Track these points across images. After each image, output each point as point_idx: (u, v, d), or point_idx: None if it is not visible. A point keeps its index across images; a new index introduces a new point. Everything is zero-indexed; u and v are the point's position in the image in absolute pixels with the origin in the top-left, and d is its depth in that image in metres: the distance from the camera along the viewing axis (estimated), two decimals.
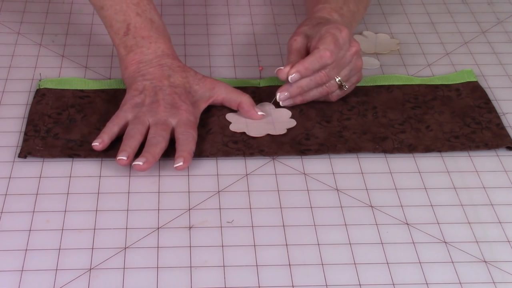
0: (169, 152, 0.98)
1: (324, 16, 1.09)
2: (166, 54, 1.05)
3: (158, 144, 0.96)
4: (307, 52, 1.06)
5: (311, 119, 1.05)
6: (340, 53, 1.03)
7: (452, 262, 0.87)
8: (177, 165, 0.96)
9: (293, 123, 1.04)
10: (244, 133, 1.02)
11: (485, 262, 0.87)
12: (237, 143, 1.01)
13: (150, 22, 1.06)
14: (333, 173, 0.98)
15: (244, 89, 1.08)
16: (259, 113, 1.04)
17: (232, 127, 1.03)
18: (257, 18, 1.28)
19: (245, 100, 1.05)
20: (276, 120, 1.04)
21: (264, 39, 1.23)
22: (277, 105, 1.07)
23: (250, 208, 0.93)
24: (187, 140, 0.98)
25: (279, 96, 1.05)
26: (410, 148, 1.01)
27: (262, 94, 1.09)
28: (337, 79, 1.04)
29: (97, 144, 0.97)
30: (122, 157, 0.95)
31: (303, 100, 1.06)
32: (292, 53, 1.06)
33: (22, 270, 0.85)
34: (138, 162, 0.95)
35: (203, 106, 1.04)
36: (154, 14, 1.07)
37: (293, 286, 0.84)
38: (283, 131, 1.03)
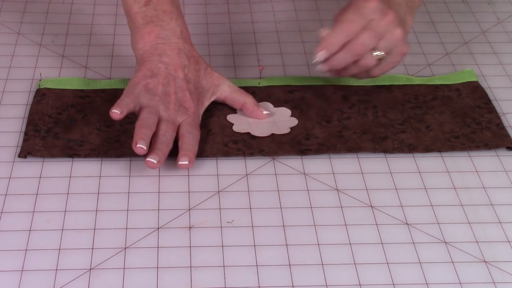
0: (170, 151, 0.98)
1: None
2: (184, 36, 1.04)
3: (168, 144, 0.97)
4: None
5: (311, 119, 1.05)
6: (370, 22, 1.00)
7: (452, 262, 0.87)
8: (182, 162, 0.96)
9: (294, 121, 1.04)
10: (244, 133, 1.02)
11: (485, 262, 0.87)
12: (237, 143, 1.01)
13: None
14: (333, 173, 0.98)
15: (244, 89, 1.08)
16: (264, 112, 1.05)
17: (236, 128, 1.03)
18: (257, 16, 1.28)
19: (249, 100, 1.05)
20: (278, 120, 1.04)
21: (264, 37, 1.23)
22: (277, 104, 1.07)
23: (250, 208, 0.93)
24: (192, 140, 0.98)
25: (318, 57, 1.02)
26: (410, 148, 1.01)
27: (262, 94, 1.09)
28: (374, 53, 1.01)
29: (117, 112, 0.96)
30: (142, 145, 0.95)
31: (343, 74, 1.05)
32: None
33: (22, 270, 0.85)
34: (153, 160, 0.95)
35: (206, 103, 1.05)
36: None
37: (293, 286, 0.84)
38: (287, 130, 1.03)
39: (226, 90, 1.05)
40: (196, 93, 1.03)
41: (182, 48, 1.04)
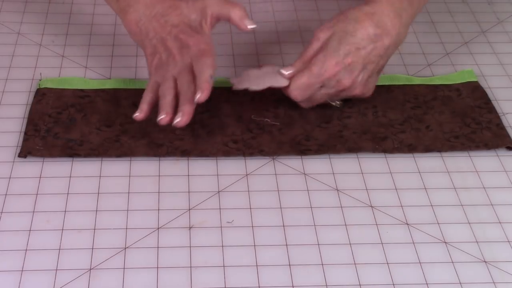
0: (170, 152, 0.98)
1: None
2: (155, 0, 1.05)
3: (188, 90, 0.97)
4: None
5: (311, 123, 1.05)
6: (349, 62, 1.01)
7: (452, 262, 0.87)
8: (198, 96, 0.96)
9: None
10: (244, 132, 1.02)
11: (485, 262, 0.87)
12: (237, 142, 1.01)
13: None
14: (333, 173, 0.98)
15: (243, 89, 1.07)
16: (249, 26, 1.03)
17: (235, 86, 1.02)
18: (257, 16, 1.28)
19: (235, 12, 1.04)
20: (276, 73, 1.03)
21: (264, 37, 1.23)
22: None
23: (250, 208, 0.93)
24: (202, 69, 0.98)
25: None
26: (410, 148, 1.01)
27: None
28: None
29: (137, 114, 0.98)
30: (162, 116, 0.96)
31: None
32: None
33: (22, 270, 0.85)
34: (176, 120, 0.96)
35: (207, 29, 1.05)
36: None
37: (293, 286, 0.84)
38: (286, 83, 1.01)
39: (214, 9, 1.04)
40: (188, 28, 1.03)
41: (155, 13, 1.04)
